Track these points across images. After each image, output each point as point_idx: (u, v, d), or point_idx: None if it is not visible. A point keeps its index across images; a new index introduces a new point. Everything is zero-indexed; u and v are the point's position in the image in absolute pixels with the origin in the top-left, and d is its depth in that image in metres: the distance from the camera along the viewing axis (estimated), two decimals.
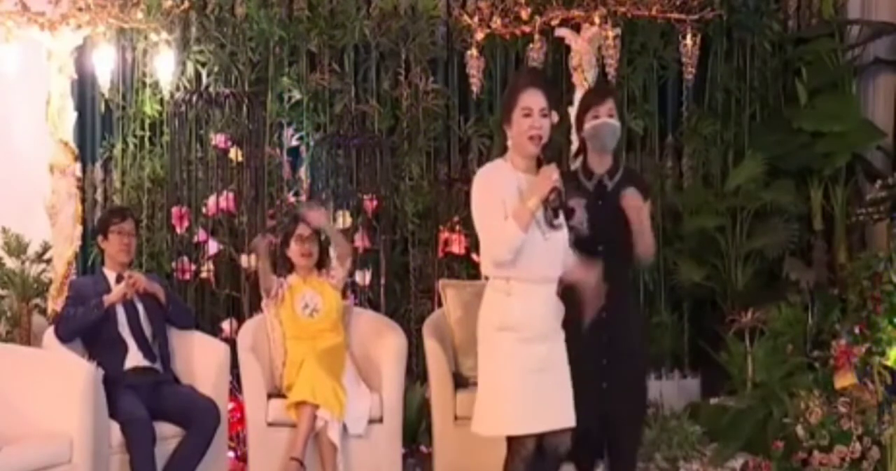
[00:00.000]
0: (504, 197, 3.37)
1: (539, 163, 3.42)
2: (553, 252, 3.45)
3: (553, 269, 3.47)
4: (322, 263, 4.66)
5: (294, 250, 4.55)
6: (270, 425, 4.37)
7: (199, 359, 4.43)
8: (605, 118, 3.92)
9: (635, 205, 3.82)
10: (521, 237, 3.32)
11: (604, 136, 3.93)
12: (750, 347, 5.25)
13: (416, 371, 5.29)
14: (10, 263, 5.39)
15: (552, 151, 3.49)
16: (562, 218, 3.44)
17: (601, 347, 3.82)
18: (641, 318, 4.35)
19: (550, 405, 3.45)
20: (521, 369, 3.41)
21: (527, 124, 3.40)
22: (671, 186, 6.18)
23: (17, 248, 5.39)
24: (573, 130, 4.45)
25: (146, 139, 5.69)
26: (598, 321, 3.76)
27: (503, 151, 3.59)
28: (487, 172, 3.51)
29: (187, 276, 5.42)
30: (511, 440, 3.47)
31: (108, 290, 4.33)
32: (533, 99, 3.41)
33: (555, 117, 3.50)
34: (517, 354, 3.41)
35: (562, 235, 3.47)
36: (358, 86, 5.85)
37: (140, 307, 4.36)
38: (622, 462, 4.02)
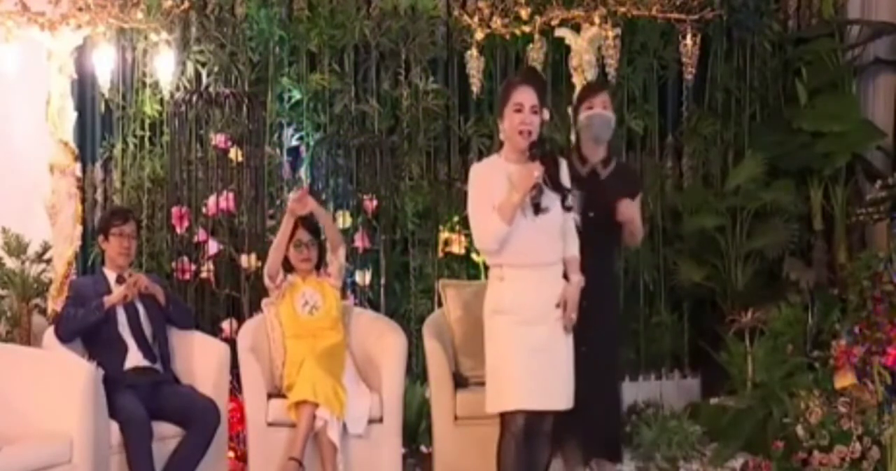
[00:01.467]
0: (493, 189, 3.58)
1: (531, 157, 3.58)
2: (543, 237, 3.62)
3: (545, 253, 3.63)
4: (321, 265, 4.66)
5: (293, 255, 4.54)
6: (270, 425, 4.37)
7: (199, 359, 4.42)
8: (599, 109, 4.03)
9: (629, 217, 3.98)
10: (504, 229, 3.54)
11: (596, 126, 4.04)
12: (750, 347, 5.25)
13: (416, 371, 5.29)
14: (10, 263, 5.38)
15: (546, 148, 3.61)
16: (550, 201, 3.60)
17: (578, 332, 3.81)
18: (619, 308, 4.42)
19: (547, 385, 3.59)
20: (517, 348, 3.57)
21: (517, 120, 3.60)
22: (671, 186, 6.19)
23: (17, 248, 5.38)
24: (573, 129, 4.49)
25: (146, 139, 5.68)
26: (577, 309, 3.78)
27: (501, 148, 3.75)
28: (480, 167, 3.77)
29: (187, 276, 5.41)
30: (503, 418, 3.61)
31: (109, 290, 4.33)
32: (524, 95, 3.61)
33: (546, 114, 3.70)
34: (513, 334, 3.58)
35: (551, 220, 3.61)
36: (358, 86, 5.85)
37: (140, 307, 4.36)
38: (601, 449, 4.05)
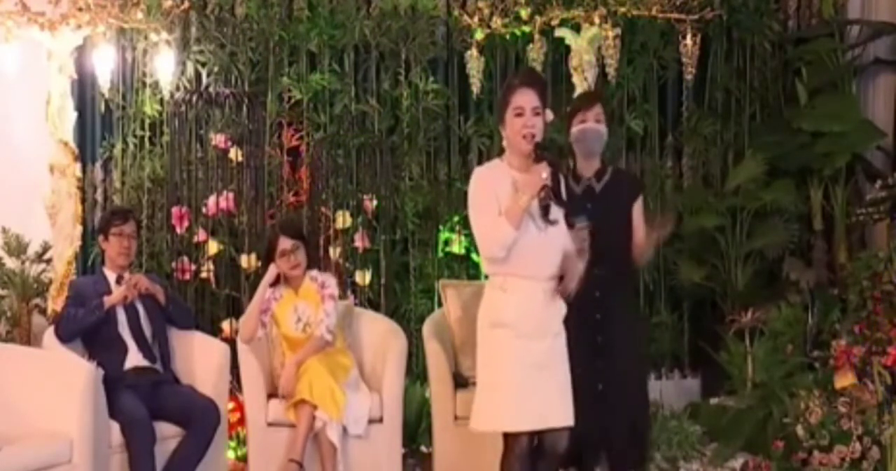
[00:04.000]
0: (498, 195, 3.43)
1: (536, 160, 3.43)
2: (549, 248, 3.47)
3: (550, 266, 3.48)
4: (314, 264, 4.59)
5: (282, 264, 4.43)
6: (270, 425, 4.37)
7: (199, 359, 4.42)
8: (592, 123, 3.97)
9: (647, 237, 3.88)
10: (512, 234, 3.36)
11: (589, 140, 3.98)
12: (750, 347, 5.25)
13: (416, 371, 5.30)
14: (10, 263, 5.39)
15: (551, 150, 3.52)
16: (558, 213, 3.47)
17: (596, 348, 3.81)
18: (640, 322, 4.35)
19: (547, 403, 3.47)
20: (517, 365, 3.44)
21: (519, 123, 3.45)
22: (671, 186, 6.19)
23: (17, 248, 5.38)
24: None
25: (146, 139, 5.68)
26: (593, 323, 3.77)
27: (503, 150, 3.64)
28: (483, 172, 3.57)
29: (187, 276, 5.42)
30: (507, 437, 3.51)
31: (109, 290, 4.33)
32: (525, 98, 3.46)
33: (549, 116, 3.56)
34: (513, 350, 3.44)
35: (558, 231, 3.49)
36: (358, 86, 5.85)
37: (140, 308, 4.36)
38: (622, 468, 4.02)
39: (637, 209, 4.08)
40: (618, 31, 5.38)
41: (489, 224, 3.42)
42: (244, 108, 5.57)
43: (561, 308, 3.56)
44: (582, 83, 5.35)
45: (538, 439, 3.51)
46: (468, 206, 3.56)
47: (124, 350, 4.26)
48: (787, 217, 6.00)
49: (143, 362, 4.28)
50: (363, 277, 5.52)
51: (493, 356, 3.50)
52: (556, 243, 3.49)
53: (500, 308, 3.48)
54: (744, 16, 6.17)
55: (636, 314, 4.33)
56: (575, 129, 3.97)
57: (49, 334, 4.29)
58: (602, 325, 3.80)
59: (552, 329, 3.51)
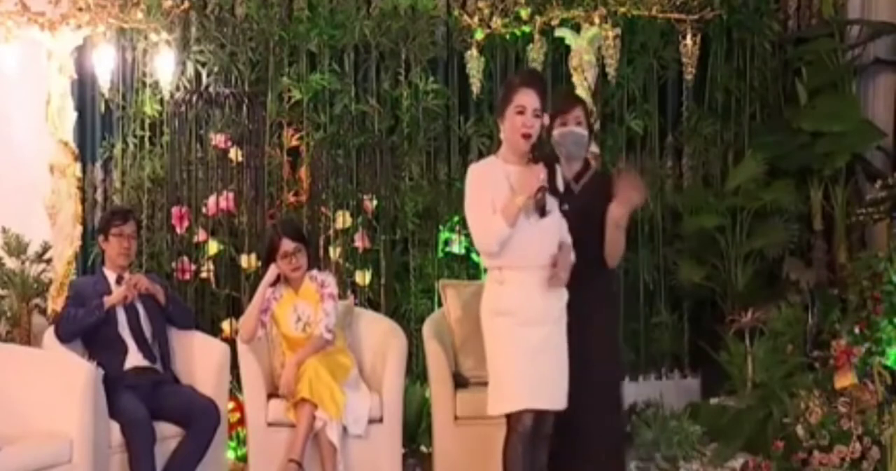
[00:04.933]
0: (493, 191, 3.54)
1: (534, 160, 3.54)
2: (544, 239, 3.58)
3: (545, 256, 3.59)
4: (314, 264, 4.59)
5: (283, 265, 4.42)
6: (270, 425, 4.37)
7: (199, 359, 4.43)
8: (572, 127, 3.98)
9: (615, 218, 3.82)
10: (507, 231, 3.49)
11: (569, 144, 3.98)
12: (750, 347, 5.26)
13: (416, 371, 5.29)
14: (10, 263, 5.38)
15: (544, 150, 3.58)
16: (552, 204, 3.57)
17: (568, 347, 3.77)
18: (618, 323, 4.33)
19: (548, 385, 3.57)
20: (519, 349, 3.55)
21: (519, 122, 3.56)
22: (671, 186, 6.19)
23: (17, 248, 5.38)
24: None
25: (146, 139, 5.68)
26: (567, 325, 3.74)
27: (499, 148, 3.71)
28: (478, 168, 3.70)
29: (187, 276, 5.42)
30: (510, 419, 3.58)
31: (109, 290, 4.33)
32: (527, 98, 3.57)
33: (546, 119, 3.66)
34: (515, 336, 3.55)
35: (552, 222, 3.59)
36: (358, 86, 5.84)
37: (140, 308, 4.36)
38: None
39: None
40: (618, 31, 5.38)
41: (484, 220, 3.54)
42: (244, 108, 5.57)
43: (563, 294, 3.65)
44: (582, 83, 5.35)
45: (535, 421, 3.57)
46: (465, 202, 3.66)
47: (124, 350, 4.26)
48: (787, 217, 6.00)
49: (143, 362, 4.28)
50: (363, 277, 5.52)
51: (498, 344, 3.60)
52: (550, 233, 3.60)
53: (501, 299, 3.60)
54: (744, 16, 6.16)
55: (615, 315, 4.30)
56: (555, 132, 3.96)
57: (49, 334, 4.29)
58: (573, 326, 3.76)
59: (552, 315, 3.62)
